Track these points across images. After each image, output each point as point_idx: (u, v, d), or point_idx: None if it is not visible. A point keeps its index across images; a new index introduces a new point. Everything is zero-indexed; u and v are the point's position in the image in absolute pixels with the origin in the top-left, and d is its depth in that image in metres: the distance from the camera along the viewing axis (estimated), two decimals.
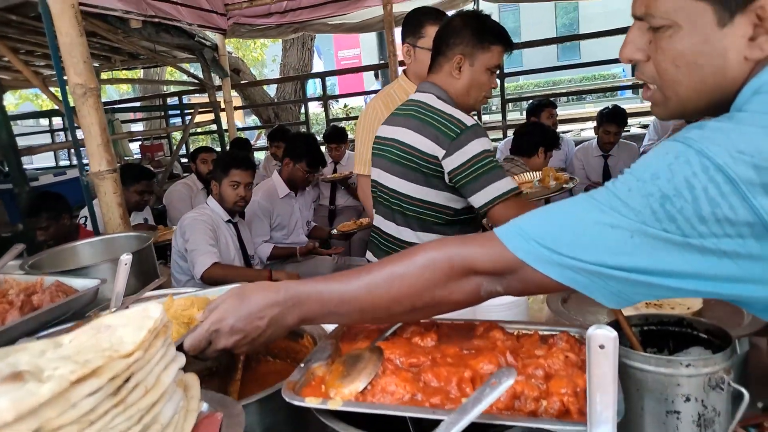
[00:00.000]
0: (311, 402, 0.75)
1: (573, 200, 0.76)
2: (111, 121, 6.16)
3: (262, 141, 9.48)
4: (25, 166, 4.44)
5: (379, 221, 1.95)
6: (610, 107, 4.43)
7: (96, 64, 5.87)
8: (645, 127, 6.05)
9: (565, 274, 0.73)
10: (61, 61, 2.30)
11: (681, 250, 0.66)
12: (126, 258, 1.33)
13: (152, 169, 4.93)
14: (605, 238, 0.69)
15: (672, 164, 0.67)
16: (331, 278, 0.87)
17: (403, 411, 0.71)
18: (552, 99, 5.00)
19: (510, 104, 7.24)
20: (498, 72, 6.00)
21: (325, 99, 6.98)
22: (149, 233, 1.92)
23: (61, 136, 9.00)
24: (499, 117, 6.14)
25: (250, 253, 3.16)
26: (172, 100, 8.24)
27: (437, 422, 0.64)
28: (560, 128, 5.99)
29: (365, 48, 20.16)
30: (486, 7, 5.03)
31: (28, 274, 1.56)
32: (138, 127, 10.01)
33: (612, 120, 4.31)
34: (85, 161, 2.71)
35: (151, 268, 1.80)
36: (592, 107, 10.95)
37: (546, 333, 0.90)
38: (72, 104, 2.42)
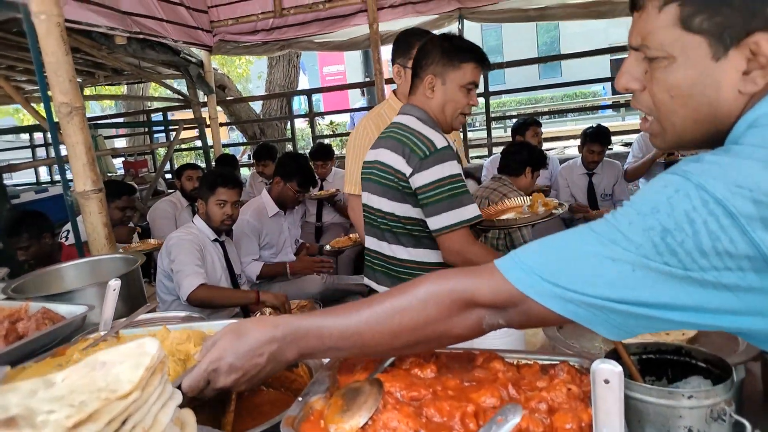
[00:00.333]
0: None
1: (574, 232, 0.76)
2: (94, 137, 6.08)
3: (248, 156, 9.44)
4: (4, 182, 4.36)
5: (372, 243, 1.96)
6: (594, 127, 4.49)
7: (79, 80, 5.81)
8: (627, 145, 6.13)
9: (567, 308, 0.72)
10: (46, 78, 2.28)
11: (682, 284, 0.66)
12: (114, 284, 1.30)
13: (134, 185, 4.86)
14: (607, 272, 0.69)
15: (672, 198, 0.67)
16: (330, 312, 0.86)
17: None
18: (535, 117, 5.07)
19: (494, 122, 7.31)
20: (482, 90, 6.07)
21: (311, 116, 6.98)
22: (136, 254, 1.88)
23: (41, 152, 8.87)
24: (484, 134, 6.19)
25: (237, 272, 3.12)
26: (156, 116, 8.17)
27: None
28: (544, 146, 6.06)
29: (350, 64, 20.26)
30: (469, 26, 5.09)
31: (11, 299, 1.52)
32: (121, 142, 9.91)
33: (596, 139, 4.37)
34: (68, 176, 2.67)
35: (138, 291, 1.77)
36: (574, 125, 11.11)
37: (546, 363, 0.90)
38: (56, 119, 2.39)
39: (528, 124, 4.73)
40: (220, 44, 5.51)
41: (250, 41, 5.47)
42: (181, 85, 7.70)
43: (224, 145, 6.59)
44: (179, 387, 0.82)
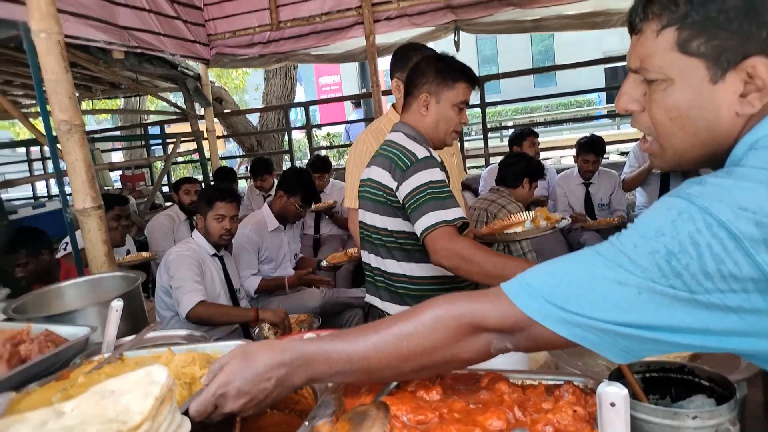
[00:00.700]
0: None
1: (579, 256, 0.76)
2: (91, 151, 6.08)
3: (245, 168, 9.44)
4: (1, 197, 4.36)
5: (370, 258, 1.99)
6: (587, 137, 4.51)
7: (77, 94, 5.82)
8: (623, 154, 6.17)
9: (574, 332, 0.73)
10: (45, 94, 2.28)
11: (688, 306, 0.67)
12: (117, 304, 1.30)
13: (134, 200, 4.86)
14: (613, 296, 0.70)
15: (676, 221, 0.68)
16: (337, 337, 0.86)
17: None
18: (531, 127, 5.10)
19: (490, 132, 7.34)
20: (479, 101, 6.10)
21: (308, 128, 7.00)
22: (136, 273, 1.87)
23: (37, 165, 8.86)
24: (480, 144, 6.22)
25: (236, 287, 3.12)
26: (153, 129, 8.18)
27: None
28: (540, 156, 6.09)
29: (345, 75, 20.34)
30: (464, 37, 5.13)
31: (12, 319, 1.52)
32: (118, 155, 9.90)
33: (590, 150, 4.39)
34: (67, 190, 2.67)
35: (139, 309, 1.76)
36: (569, 134, 11.16)
37: (551, 383, 0.90)
38: (54, 134, 2.39)
39: (525, 134, 4.76)
40: (217, 57, 5.53)
41: (247, 54, 5.49)
42: (178, 98, 7.71)
43: (221, 158, 6.60)
44: (186, 411, 0.82)
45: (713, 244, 0.64)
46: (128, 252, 4.00)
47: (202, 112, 6.12)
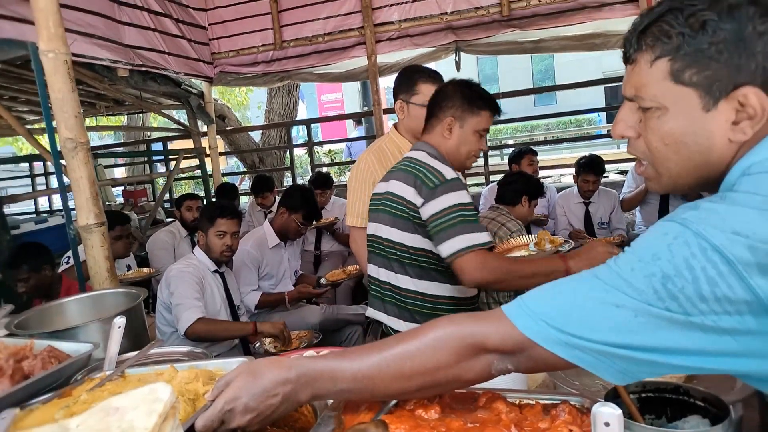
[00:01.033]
0: None
1: (578, 279, 0.78)
2: (94, 167, 6.14)
3: (246, 183, 9.49)
4: (4, 211, 4.37)
5: (376, 271, 1.98)
6: (586, 157, 4.54)
7: (81, 112, 5.88)
8: (623, 173, 6.20)
9: (572, 354, 0.75)
10: (51, 111, 2.32)
11: (684, 328, 0.69)
12: (119, 321, 1.31)
13: (135, 216, 4.88)
14: (611, 318, 0.72)
15: (671, 245, 0.70)
16: (342, 355, 0.88)
17: None
18: (531, 146, 5.14)
19: (490, 150, 7.39)
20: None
21: (310, 145, 7.05)
22: (138, 290, 1.89)
23: (40, 180, 8.91)
24: (481, 162, 6.26)
25: (237, 303, 3.13)
26: (156, 145, 8.24)
27: None
28: (541, 174, 6.12)
29: (347, 93, 20.50)
30: (466, 57, 5.19)
31: (14, 335, 1.53)
32: (120, 170, 9.95)
33: (589, 170, 4.42)
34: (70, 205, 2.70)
35: (141, 326, 1.77)
36: (570, 152, 11.20)
37: (548, 402, 0.91)
38: (59, 149, 2.42)
39: (523, 153, 4.80)
40: (221, 75, 5.59)
41: (251, 73, 5.56)
42: (181, 114, 7.78)
43: (223, 174, 6.64)
44: (192, 426, 0.83)
45: (708, 268, 0.66)
46: (129, 267, 4.01)
47: (204, 128, 6.17)
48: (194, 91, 5.81)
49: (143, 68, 4.51)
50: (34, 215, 7.72)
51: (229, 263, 3.24)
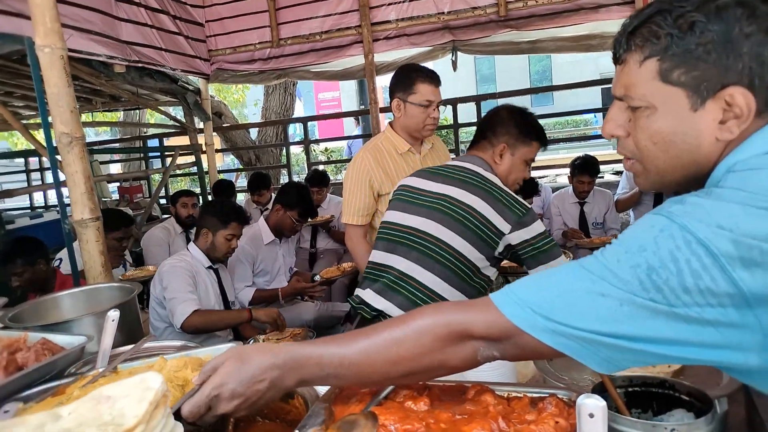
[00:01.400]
0: None
1: (566, 268, 0.79)
2: (90, 162, 6.13)
3: (242, 181, 9.49)
4: None
5: (394, 259, 1.92)
6: (581, 157, 4.56)
7: (77, 107, 5.87)
8: (618, 173, 6.23)
9: (558, 341, 0.76)
10: (47, 106, 2.32)
11: (667, 319, 0.70)
12: (113, 314, 1.32)
13: (131, 212, 4.88)
14: (596, 307, 0.73)
15: (657, 237, 0.71)
16: (329, 341, 0.89)
17: None
18: None
19: None
20: (476, 119, 6.14)
21: (306, 143, 7.06)
22: (133, 284, 1.90)
23: (35, 176, 8.88)
24: None
25: (230, 299, 3.13)
26: (152, 142, 8.24)
27: None
28: (536, 174, 6.15)
29: (344, 91, 20.52)
30: (463, 56, 5.20)
31: (8, 328, 1.53)
32: (116, 166, 9.93)
33: (584, 171, 4.44)
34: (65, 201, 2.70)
35: (135, 320, 1.79)
36: (566, 153, 11.24)
37: (535, 395, 0.93)
38: (55, 144, 2.43)
39: None
40: (218, 72, 5.59)
41: (248, 70, 5.56)
42: (177, 111, 7.78)
43: (219, 171, 6.63)
44: (179, 411, 0.84)
45: (692, 261, 0.68)
46: (125, 263, 4.01)
47: (201, 125, 6.17)
48: (191, 87, 5.80)
49: (140, 64, 4.51)
50: (29, 210, 7.70)
51: (224, 260, 3.24)
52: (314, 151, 10.69)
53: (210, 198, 5.74)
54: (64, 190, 2.59)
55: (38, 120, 6.30)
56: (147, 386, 0.71)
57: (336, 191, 5.40)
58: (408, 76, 2.45)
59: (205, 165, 6.12)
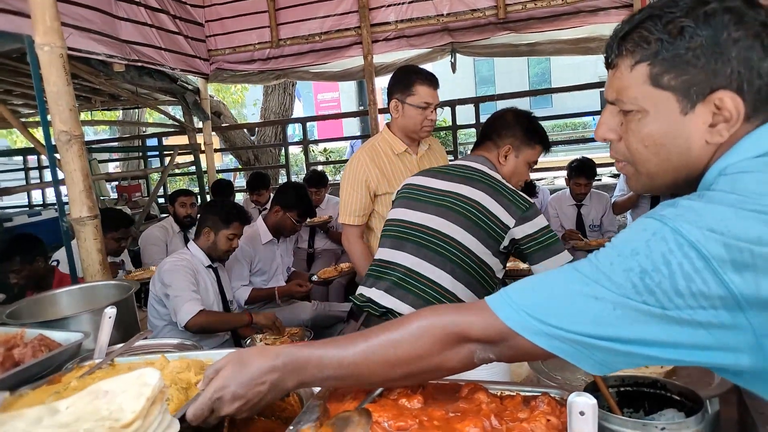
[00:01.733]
0: None
1: (560, 272, 0.80)
2: (89, 161, 6.13)
3: (240, 181, 9.50)
4: None
5: (418, 264, 1.90)
6: (578, 160, 4.57)
7: (76, 106, 5.87)
8: (616, 176, 6.24)
9: (552, 344, 0.77)
10: (46, 104, 2.33)
11: (660, 321, 0.71)
12: (110, 311, 1.33)
13: (129, 211, 4.88)
14: (590, 310, 0.74)
15: (649, 240, 0.72)
16: (328, 343, 0.90)
17: None
18: None
19: None
20: (475, 122, 6.14)
21: (305, 143, 7.07)
22: (131, 282, 1.91)
23: (34, 174, 8.88)
24: None
25: (229, 298, 3.14)
26: (151, 141, 8.24)
27: None
28: (534, 176, 6.16)
29: (344, 92, 20.52)
30: (462, 58, 5.22)
31: (6, 324, 1.54)
32: (115, 165, 9.93)
33: (581, 173, 4.45)
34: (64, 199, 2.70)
35: (132, 318, 1.79)
36: (564, 155, 11.25)
37: (528, 394, 0.94)
38: (54, 142, 2.43)
39: None
40: (217, 72, 5.60)
41: (247, 70, 5.57)
42: (176, 111, 7.78)
43: (218, 171, 6.64)
44: (184, 415, 0.85)
45: (684, 264, 0.69)
46: (122, 262, 4.01)
47: (200, 125, 6.17)
48: (190, 87, 5.81)
49: (139, 63, 4.52)
50: (28, 208, 7.70)
51: (223, 259, 3.25)
52: (313, 151, 10.70)
53: (208, 198, 5.75)
54: (63, 189, 2.60)
55: (37, 118, 6.30)
56: (144, 382, 0.72)
57: (334, 192, 5.41)
58: (407, 78, 2.46)
59: (203, 164, 6.12)
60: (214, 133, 6.50)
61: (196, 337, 2.64)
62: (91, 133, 15.71)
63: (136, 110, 8.92)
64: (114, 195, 7.73)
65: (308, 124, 7.27)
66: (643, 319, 0.71)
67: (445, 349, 0.85)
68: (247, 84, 8.18)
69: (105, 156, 9.25)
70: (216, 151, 6.93)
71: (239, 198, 7.25)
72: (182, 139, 6.66)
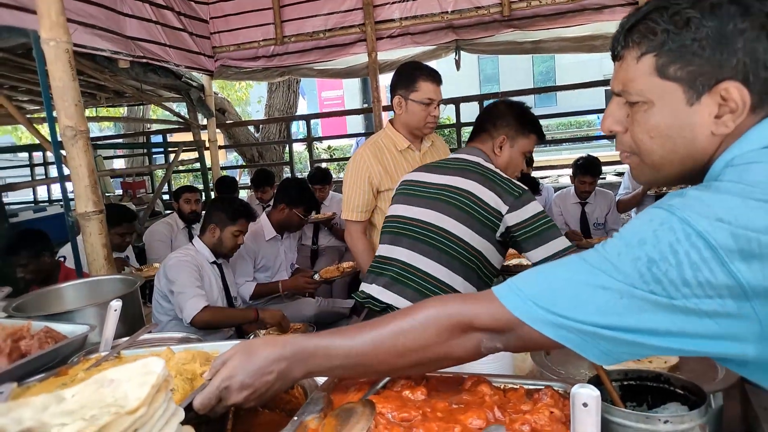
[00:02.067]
0: None
1: (567, 261, 0.81)
2: (93, 158, 6.15)
3: (245, 178, 9.51)
4: (2, 200, 4.40)
5: (414, 258, 1.92)
6: (584, 158, 4.57)
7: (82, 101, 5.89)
8: (620, 174, 6.23)
9: (559, 333, 0.77)
10: (52, 100, 2.34)
11: (666, 311, 0.71)
12: (116, 304, 1.34)
13: (134, 207, 4.89)
14: (596, 299, 0.74)
15: (657, 230, 0.72)
16: (336, 333, 0.91)
17: None
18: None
19: None
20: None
21: (309, 140, 7.07)
22: (136, 276, 1.91)
23: (39, 170, 8.91)
24: None
25: (233, 294, 3.15)
26: (156, 138, 8.26)
27: None
28: (538, 174, 6.15)
29: (348, 90, 20.53)
30: (467, 56, 5.21)
31: (13, 317, 1.55)
32: (119, 162, 9.96)
33: (586, 171, 4.44)
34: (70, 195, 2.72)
35: (137, 312, 1.80)
36: (569, 153, 11.25)
37: (531, 387, 0.94)
38: (59, 138, 2.44)
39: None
40: (222, 69, 5.61)
41: (251, 67, 5.58)
42: (181, 107, 7.79)
43: (222, 167, 6.66)
44: (191, 404, 0.86)
45: (691, 253, 0.69)
46: (127, 258, 4.03)
47: (204, 122, 6.19)
48: (195, 84, 5.83)
49: (144, 60, 4.53)
50: (33, 205, 7.73)
51: (227, 255, 3.26)
52: (317, 149, 10.71)
53: (213, 194, 5.76)
54: (69, 185, 2.61)
55: (43, 114, 6.33)
56: (149, 370, 0.72)
57: (338, 189, 5.41)
58: (410, 74, 2.46)
59: (208, 161, 6.14)
60: (218, 130, 6.51)
61: (200, 332, 2.65)
62: (95, 130, 15.76)
63: (141, 107, 8.94)
64: (119, 191, 7.75)
65: (312, 121, 7.25)
66: (650, 309, 0.71)
67: (452, 338, 0.85)
68: (252, 81, 8.20)
69: (110, 152, 9.28)
70: (220, 147, 6.95)
71: (243, 195, 7.27)
72: (187, 136, 6.68)
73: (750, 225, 0.67)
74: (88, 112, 7.07)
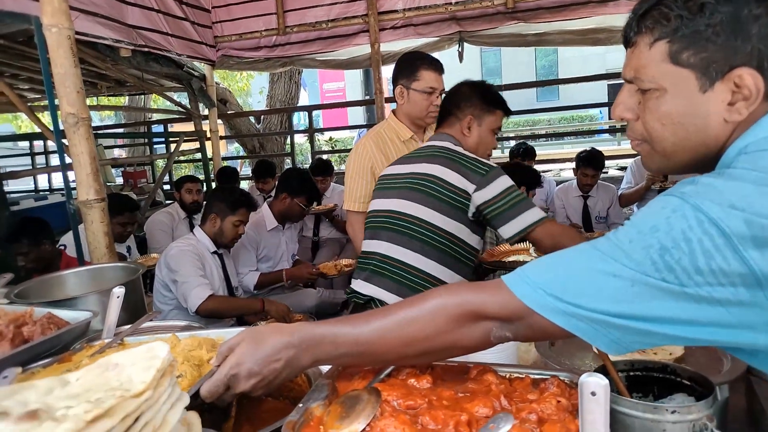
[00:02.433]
0: None
1: (577, 249, 0.80)
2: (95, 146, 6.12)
3: (246, 170, 9.50)
4: (4, 189, 4.38)
5: (385, 247, 1.96)
6: (587, 151, 4.56)
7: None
8: (623, 169, 6.21)
9: (569, 322, 0.76)
10: (54, 88, 2.33)
11: (678, 299, 0.70)
12: (119, 291, 1.33)
13: (135, 197, 4.88)
14: (607, 287, 0.73)
15: (670, 218, 0.71)
16: (344, 321, 0.90)
17: None
18: (531, 140, 5.20)
19: None
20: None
21: (311, 132, 7.06)
22: (138, 264, 1.91)
23: (40, 159, 8.90)
24: None
25: (234, 284, 3.15)
26: (157, 127, 8.24)
27: None
28: (540, 168, 6.15)
29: (350, 81, 20.47)
30: (469, 49, 5.19)
31: (14, 303, 1.54)
32: (121, 151, 9.94)
33: (589, 164, 4.44)
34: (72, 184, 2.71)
35: (139, 299, 1.79)
36: (570, 147, 11.22)
37: (537, 377, 0.93)
38: (61, 126, 2.44)
39: (523, 153, 4.89)
40: (223, 59, 5.58)
41: (253, 57, 5.55)
42: (182, 97, 7.76)
43: (223, 158, 6.64)
44: (198, 391, 0.85)
45: (704, 240, 0.68)
46: (129, 249, 4.02)
47: (205, 112, 6.17)
48: (196, 73, 5.80)
49: (146, 49, 4.51)
50: (34, 193, 7.72)
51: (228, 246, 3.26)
52: (318, 140, 10.68)
53: (214, 184, 5.75)
54: (70, 174, 2.60)
55: (43, 103, 6.31)
56: (154, 354, 0.71)
57: (340, 180, 5.41)
58: (412, 63, 2.45)
59: (209, 152, 6.12)
60: (219, 120, 6.49)
61: (203, 321, 2.65)
62: (96, 120, 15.72)
63: (142, 96, 8.91)
64: (120, 181, 7.74)
65: (314, 113, 7.23)
66: (662, 297, 0.71)
67: (461, 327, 0.84)
68: (253, 71, 8.17)
69: (111, 142, 9.25)
70: (221, 138, 6.93)
71: (244, 186, 7.25)
72: (188, 126, 6.66)
73: (764, 212, 0.66)
74: (89, 101, 7.03)
